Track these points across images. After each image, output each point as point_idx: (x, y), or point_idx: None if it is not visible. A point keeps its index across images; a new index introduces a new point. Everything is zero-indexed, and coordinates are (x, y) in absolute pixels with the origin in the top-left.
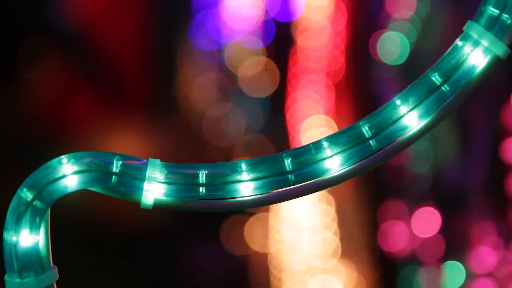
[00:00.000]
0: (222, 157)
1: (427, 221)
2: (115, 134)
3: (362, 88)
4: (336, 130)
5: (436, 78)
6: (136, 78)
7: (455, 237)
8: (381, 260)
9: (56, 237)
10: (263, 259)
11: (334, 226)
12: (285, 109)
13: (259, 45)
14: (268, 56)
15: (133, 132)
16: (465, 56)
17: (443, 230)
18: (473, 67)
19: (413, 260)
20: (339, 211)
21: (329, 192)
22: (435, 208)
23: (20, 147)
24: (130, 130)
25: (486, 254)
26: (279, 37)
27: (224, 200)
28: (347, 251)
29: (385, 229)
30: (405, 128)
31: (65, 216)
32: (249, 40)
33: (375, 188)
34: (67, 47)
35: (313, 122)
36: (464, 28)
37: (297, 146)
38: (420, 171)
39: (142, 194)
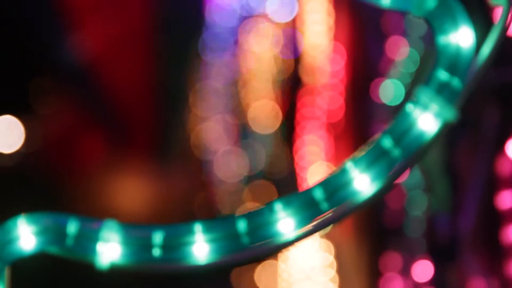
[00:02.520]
0: (228, 201)
1: (421, 273)
2: (122, 176)
3: (361, 130)
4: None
5: (387, 142)
6: (144, 121)
7: None
8: None
9: None
10: None
11: (336, 278)
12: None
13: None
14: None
15: (140, 175)
16: (415, 120)
17: (436, 283)
18: (424, 131)
19: None
20: (340, 263)
21: (329, 240)
22: (429, 260)
23: (29, 181)
24: (137, 172)
25: None
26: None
27: (179, 264)
28: None
29: (384, 282)
30: (356, 191)
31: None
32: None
33: (374, 239)
34: (76, 87)
35: (317, 169)
36: (415, 91)
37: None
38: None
39: (97, 255)
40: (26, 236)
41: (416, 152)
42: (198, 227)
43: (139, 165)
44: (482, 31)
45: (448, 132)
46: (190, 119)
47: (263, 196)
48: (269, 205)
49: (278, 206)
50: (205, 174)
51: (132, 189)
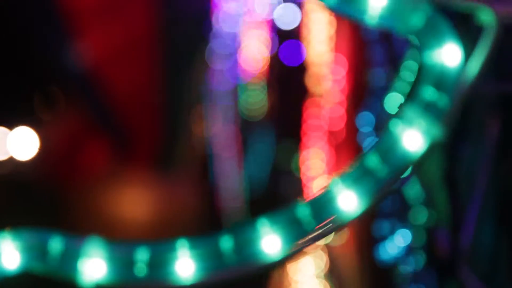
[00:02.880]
0: (232, 213)
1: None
2: (125, 185)
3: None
4: None
5: (374, 160)
6: (149, 128)
7: None
8: None
9: None
10: None
11: None
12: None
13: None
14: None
15: (144, 184)
16: (401, 138)
17: None
18: (411, 149)
19: None
20: (340, 275)
21: (328, 251)
22: (429, 272)
23: (28, 189)
24: (141, 181)
25: None
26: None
27: (164, 282)
28: None
29: None
30: (342, 209)
31: None
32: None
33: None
34: (79, 94)
35: (322, 180)
36: (401, 108)
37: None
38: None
39: (81, 273)
40: (9, 253)
41: (403, 171)
42: (183, 245)
43: (143, 174)
44: (470, 48)
45: (449, 144)
46: (195, 127)
47: (268, 206)
48: (255, 221)
49: (264, 224)
50: (211, 184)
51: (136, 198)
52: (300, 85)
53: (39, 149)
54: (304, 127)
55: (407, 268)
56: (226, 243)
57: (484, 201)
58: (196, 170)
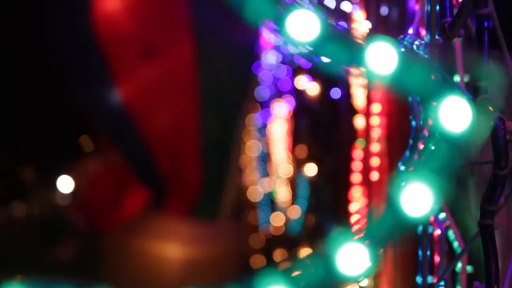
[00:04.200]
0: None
1: None
2: (161, 233)
3: None
4: None
5: (386, 215)
6: (188, 177)
7: None
8: None
9: None
10: None
11: None
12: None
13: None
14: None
15: (180, 233)
16: (409, 192)
17: None
18: (418, 204)
19: None
20: None
21: None
22: None
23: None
24: (178, 230)
25: None
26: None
27: None
28: None
29: None
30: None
31: None
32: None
33: None
34: (119, 142)
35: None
36: (410, 162)
37: None
38: None
39: None
40: None
41: (412, 227)
42: None
43: (183, 220)
44: (480, 106)
45: (484, 195)
46: (241, 170)
47: (307, 246)
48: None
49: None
50: (256, 228)
51: (174, 244)
52: (344, 120)
53: (77, 194)
54: (351, 169)
55: None
56: None
57: None
58: (239, 215)
